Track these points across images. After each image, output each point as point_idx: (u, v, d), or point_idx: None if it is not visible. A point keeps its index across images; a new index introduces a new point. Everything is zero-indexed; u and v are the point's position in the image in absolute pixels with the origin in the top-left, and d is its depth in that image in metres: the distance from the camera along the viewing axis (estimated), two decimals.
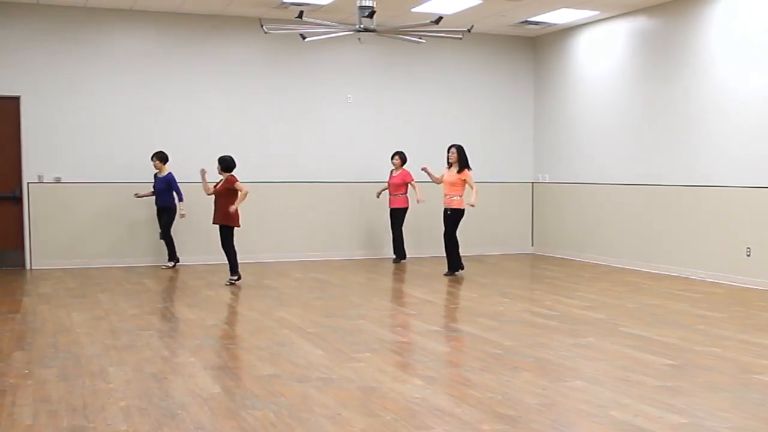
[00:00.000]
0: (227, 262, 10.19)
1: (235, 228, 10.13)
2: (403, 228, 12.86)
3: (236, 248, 10.17)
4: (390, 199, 12.58)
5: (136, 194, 11.67)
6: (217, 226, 10.10)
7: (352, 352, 6.48)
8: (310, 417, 4.75)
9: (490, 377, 5.75)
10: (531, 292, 9.92)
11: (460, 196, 10.80)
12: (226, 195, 9.93)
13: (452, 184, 10.79)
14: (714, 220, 10.59)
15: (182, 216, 11.59)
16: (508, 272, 11.69)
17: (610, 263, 12.35)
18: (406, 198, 12.47)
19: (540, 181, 14.17)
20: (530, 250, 14.30)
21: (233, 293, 9.42)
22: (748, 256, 10.08)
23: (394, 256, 12.73)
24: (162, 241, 11.75)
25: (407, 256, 12.72)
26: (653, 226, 11.60)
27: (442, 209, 10.99)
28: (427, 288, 10.18)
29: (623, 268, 11.88)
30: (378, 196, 12.80)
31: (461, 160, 10.78)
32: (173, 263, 11.75)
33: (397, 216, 12.53)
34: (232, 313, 8.28)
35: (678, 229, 11.17)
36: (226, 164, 10.09)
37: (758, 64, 9.95)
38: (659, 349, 6.51)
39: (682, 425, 4.59)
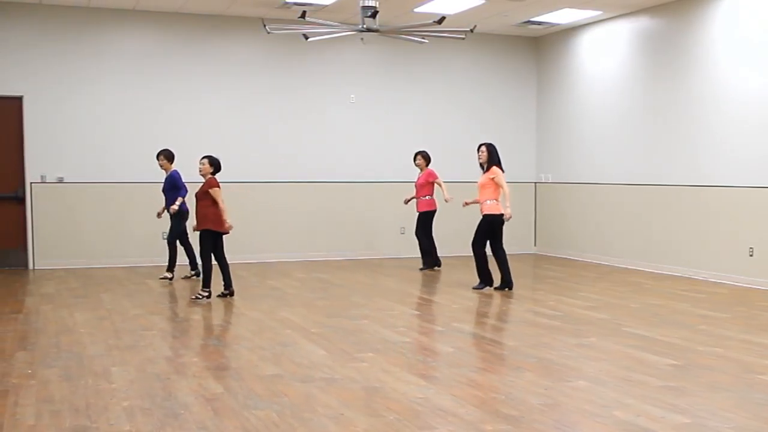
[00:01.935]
0: (201, 272, 9.09)
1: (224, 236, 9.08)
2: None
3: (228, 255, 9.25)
4: (416, 202, 11.69)
5: (158, 214, 10.55)
6: (200, 232, 8.94)
7: (355, 352, 6.48)
8: (313, 417, 4.75)
9: (493, 377, 5.75)
10: (534, 292, 9.91)
11: (495, 200, 9.43)
12: (210, 196, 8.89)
13: (482, 186, 9.49)
14: (717, 220, 10.58)
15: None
16: (510, 270, 11.65)
17: (613, 263, 12.34)
18: (431, 200, 11.55)
19: (543, 181, 14.17)
20: (533, 250, 14.29)
21: (236, 293, 9.40)
22: (751, 256, 10.07)
23: (423, 265, 11.71)
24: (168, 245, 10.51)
25: (428, 259, 11.79)
26: (656, 227, 11.60)
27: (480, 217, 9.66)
28: (430, 288, 10.18)
29: (626, 268, 11.87)
30: (406, 203, 11.93)
31: (491, 159, 9.50)
32: (172, 275, 10.46)
33: (423, 220, 11.57)
34: (235, 313, 8.28)
35: (680, 229, 11.16)
36: (220, 166, 9.14)
37: (760, 64, 9.94)
38: (662, 349, 6.51)
39: (684, 425, 4.59)
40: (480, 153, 9.58)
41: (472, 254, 9.76)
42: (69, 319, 7.92)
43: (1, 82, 11.55)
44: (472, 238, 9.67)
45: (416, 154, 11.78)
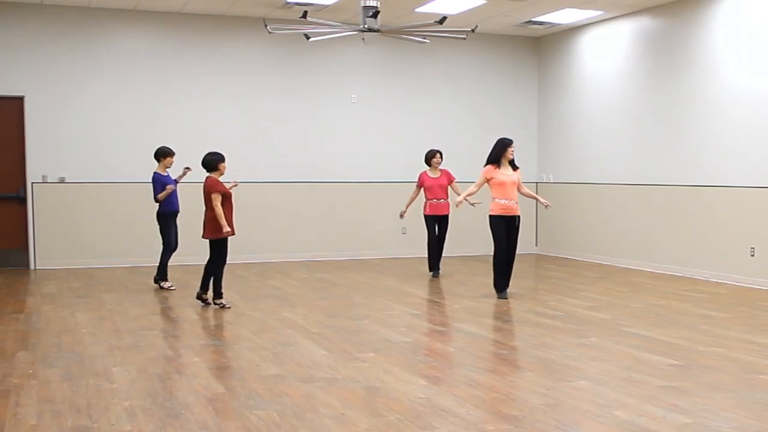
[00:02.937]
0: (215, 282, 8.59)
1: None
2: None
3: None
4: (435, 205, 10.93)
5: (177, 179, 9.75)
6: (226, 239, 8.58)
7: (357, 352, 6.48)
8: (315, 417, 4.75)
9: (495, 377, 5.75)
10: (535, 292, 9.91)
11: None
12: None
13: (514, 185, 9.15)
14: (718, 220, 10.57)
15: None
16: (512, 272, 11.65)
17: (615, 263, 12.33)
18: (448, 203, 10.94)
19: (544, 181, 14.16)
20: (534, 250, 14.29)
21: (237, 293, 9.41)
22: (753, 256, 10.06)
23: (435, 270, 11.08)
24: (169, 255, 9.89)
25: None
26: (657, 226, 11.59)
27: (495, 219, 9.15)
28: (431, 288, 10.18)
29: (627, 268, 11.86)
30: (402, 216, 11.26)
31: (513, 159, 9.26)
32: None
33: (446, 224, 11.06)
34: (236, 313, 8.28)
35: (682, 229, 11.15)
36: None
37: (762, 63, 9.93)
38: (663, 349, 6.50)
39: (686, 425, 4.59)
40: (511, 149, 9.16)
41: (499, 260, 9.16)
42: (70, 319, 7.92)
43: (3, 82, 11.56)
44: (507, 244, 9.14)
45: (437, 152, 11.05)
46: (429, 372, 5.93)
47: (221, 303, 8.54)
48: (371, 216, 13.33)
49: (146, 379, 5.67)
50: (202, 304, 8.64)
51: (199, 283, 8.79)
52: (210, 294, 8.68)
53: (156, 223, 9.84)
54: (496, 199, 9.10)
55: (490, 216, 9.16)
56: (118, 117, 12.07)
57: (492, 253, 9.28)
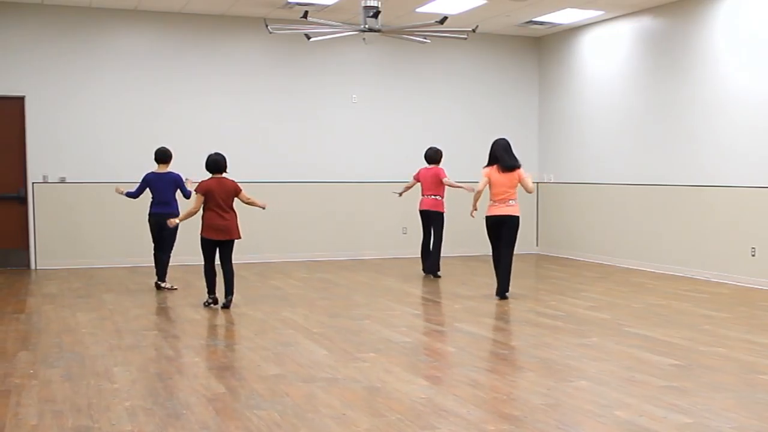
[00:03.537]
0: (230, 281, 8.49)
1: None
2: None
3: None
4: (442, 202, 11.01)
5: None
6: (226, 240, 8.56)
7: (357, 352, 6.48)
8: (315, 417, 4.75)
9: (495, 377, 5.75)
10: (536, 292, 9.91)
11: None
12: None
13: None
14: (719, 220, 10.57)
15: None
16: (512, 272, 11.64)
17: (615, 263, 12.33)
18: None
19: (545, 181, 14.15)
20: (535, 250, 14.29)
21: (238, 293, 9.40)
22: (753, 256, 10.06)
23: (435, 272, 11.02)
24: (166, 257, 9.84)
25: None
26: (658, 226, 11.59)
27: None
28: (431, 288, 10.18)
29: (628, 268, 11.86)
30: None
31: None
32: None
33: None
34: (237, 313, 8.28)
35: (683, 229, 11.15)
36: None
37: (762, 63, 9.93)
38: (664, 349, 6.51)
39: (686, 425, 4.59)
40: None
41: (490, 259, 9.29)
42: (71, 319, 7.92)
43: (3, 82, 11.56)
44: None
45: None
46: (430, 372, 5.93)
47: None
48: (371, 216, 13.33)
49: (147, 379, 5.67)
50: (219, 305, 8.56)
51: (205, 289, 8.69)
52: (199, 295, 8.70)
53: (165, 226, 9.42)
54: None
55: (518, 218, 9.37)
56: (118, 117, 12.08)
57: (513, 255, 9.32)
